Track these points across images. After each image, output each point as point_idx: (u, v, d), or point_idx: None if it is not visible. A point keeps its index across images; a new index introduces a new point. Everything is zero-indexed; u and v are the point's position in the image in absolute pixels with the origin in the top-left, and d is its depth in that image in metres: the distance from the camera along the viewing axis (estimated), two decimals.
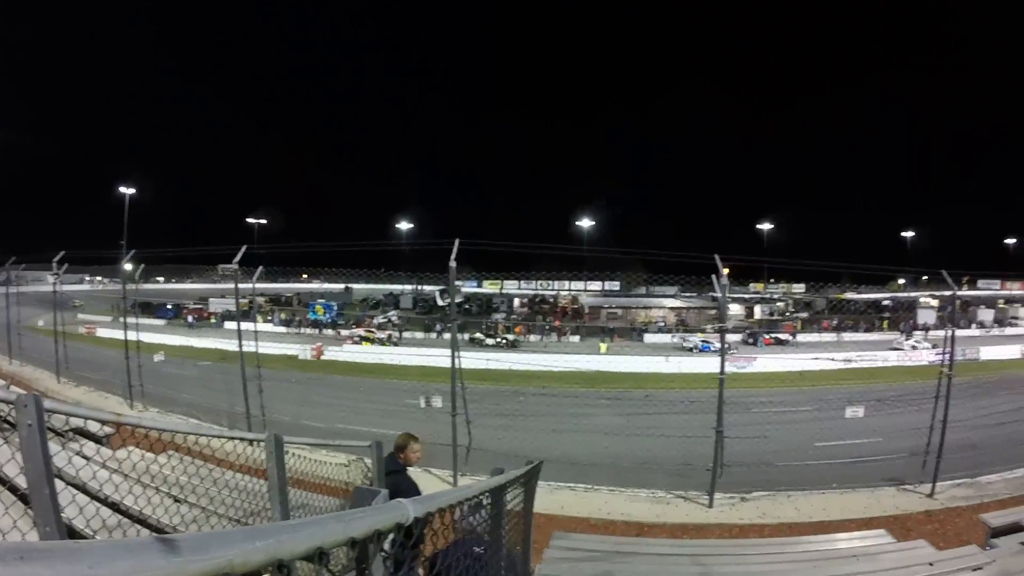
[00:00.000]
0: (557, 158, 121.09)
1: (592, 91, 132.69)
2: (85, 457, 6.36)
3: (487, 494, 2.80)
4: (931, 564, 4.31)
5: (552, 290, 52.93)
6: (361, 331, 41.02)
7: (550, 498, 9.11)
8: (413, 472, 5.07)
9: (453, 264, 9.58)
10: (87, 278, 55.64)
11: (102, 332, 35.02)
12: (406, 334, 43.29)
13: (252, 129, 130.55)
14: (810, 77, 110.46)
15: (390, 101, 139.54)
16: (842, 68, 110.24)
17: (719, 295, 9.24)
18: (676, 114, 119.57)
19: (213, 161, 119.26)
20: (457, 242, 9.75)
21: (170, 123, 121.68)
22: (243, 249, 11.78)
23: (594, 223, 59.69)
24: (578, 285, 52.18)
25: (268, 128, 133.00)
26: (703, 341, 37.60)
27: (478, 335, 38.44)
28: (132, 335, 15.71)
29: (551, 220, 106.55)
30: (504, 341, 38.34)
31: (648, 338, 43.11)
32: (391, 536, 1.17)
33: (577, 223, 60.05)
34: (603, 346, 37.55)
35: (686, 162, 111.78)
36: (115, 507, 5.00)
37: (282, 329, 44.79)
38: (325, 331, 44.10)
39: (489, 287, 53.41)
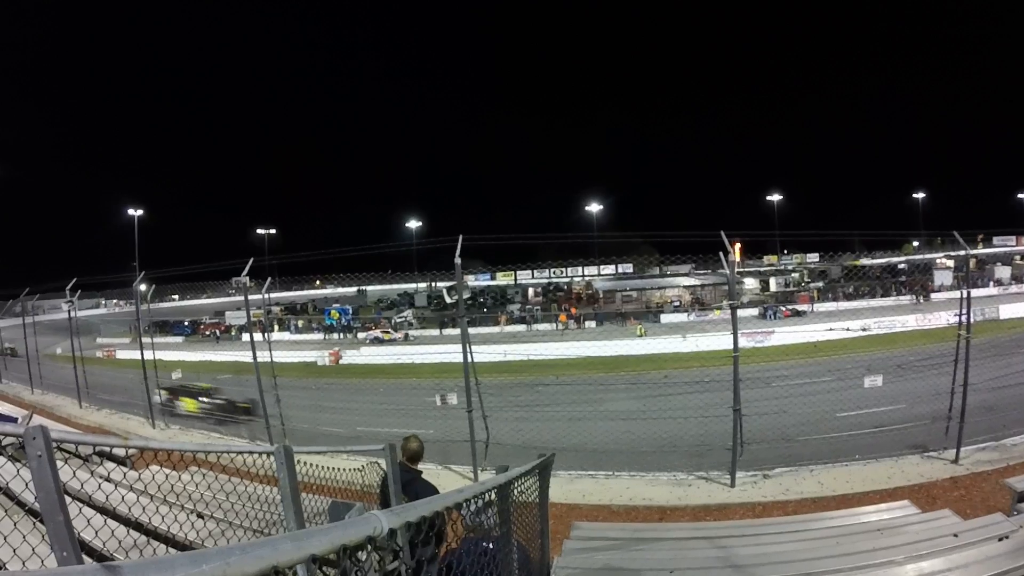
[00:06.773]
0: (557, 158, 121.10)
1: (594, 91, 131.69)
2: (108, 480, 6.53)
3: (489, 492, 2.78)
4: (955, 535, 4.22)
5: (565, 277, 52.72)
6: (378, 332, 41.31)
7: (570, 487, 9.08)
8: (432, 470, 5.08)
9: (458, 261, 9.57)
10: (103, 302, 56.34)
11: (121, 354, 35.21)
12: (423, 332, 43.52)
13: (252, 132, 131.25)
14: (811, 77, 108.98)
15: (390, 101, 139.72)
16: (842, 68, 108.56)
17: (727, 272, 9.15)
18: (675, 113, 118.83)
19: (214, 169, 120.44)
20: (461, 238, 9.71)
21: (167, 133, 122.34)
22: (251, 261, 11.83)
23: (602, 207, 59.67)
24: (591, 270, 51.90)
25: (268, 131, 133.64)
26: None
27: None
28: (149, 355, 15.86)
29: (552, 214, 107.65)
30: None
31: (664, 318, 42.71)
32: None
33: (586, 208, 60.01)
34: (639, 329, 35.57)
35: (686, 157, 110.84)
36: (140, 527, 5.11)
37: (299, 337, 45.12)
38: (345, 335, 44.30)
39: (502, 279, 53.44)
